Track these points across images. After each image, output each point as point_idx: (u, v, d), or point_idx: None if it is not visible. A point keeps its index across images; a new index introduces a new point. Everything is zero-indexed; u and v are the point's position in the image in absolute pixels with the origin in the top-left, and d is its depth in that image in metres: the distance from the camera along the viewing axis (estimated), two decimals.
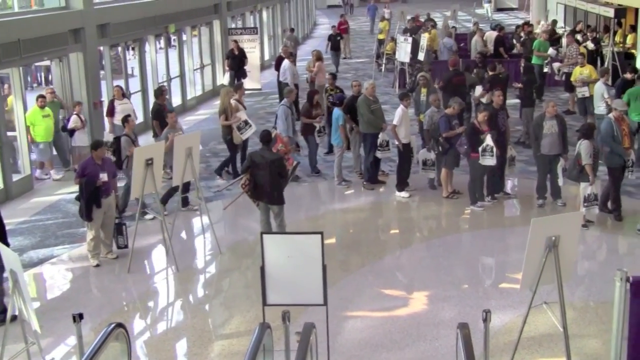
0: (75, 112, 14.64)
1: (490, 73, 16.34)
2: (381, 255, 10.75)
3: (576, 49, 19.35)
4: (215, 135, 16.62)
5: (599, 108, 15.22)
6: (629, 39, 22.93)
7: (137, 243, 10.58)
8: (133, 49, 21.28)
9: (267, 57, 28.59)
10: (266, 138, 10.49)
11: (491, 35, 23.24)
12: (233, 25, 25.68)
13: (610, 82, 16.97)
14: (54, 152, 15.11)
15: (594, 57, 20.79)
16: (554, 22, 27.15)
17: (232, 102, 14.22)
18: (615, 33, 22.76)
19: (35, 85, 25.13)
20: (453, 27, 27.48)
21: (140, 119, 17.53)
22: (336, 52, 27.14)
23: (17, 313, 7.15)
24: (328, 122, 14.22)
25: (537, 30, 24.99)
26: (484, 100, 15.22)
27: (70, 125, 14.59)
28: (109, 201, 10.59)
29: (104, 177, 10.39)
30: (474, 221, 12.08)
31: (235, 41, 22.92)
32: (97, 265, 10.50)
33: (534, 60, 20.34)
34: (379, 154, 13.30)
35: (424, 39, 21.81)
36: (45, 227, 12.21)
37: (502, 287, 9.62)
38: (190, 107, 21.69)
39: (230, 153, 14.28)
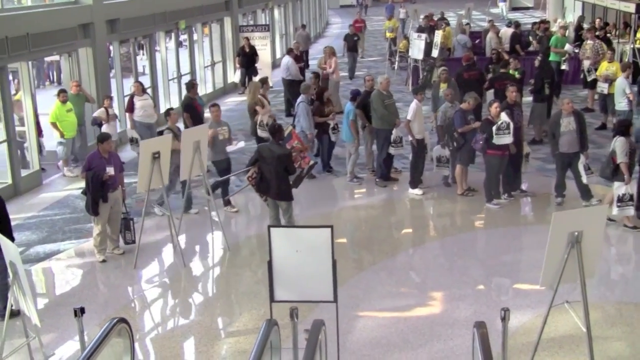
0: (104, 106, 14.46)
1: (501, 70, 16.03)
2: (394, 253, 10.55)
3: (599, 44, 18.99)
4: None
5: (620, 104, 14.93)
6: None
7: (144, 239, 10.42)
8: (142, 46, 21.14)
9: (278, 55, 28.37)
10: (274, 131, 10.24)
11: (506, 32, 23.02)
12: (244, 23, 25.49)
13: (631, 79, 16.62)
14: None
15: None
16: (581, 18, 26.78)
17: (258, 96, 14.06)
18: (638, 29, 22.37)
19: (47, 83, 25.04)
20: (467, 23, 27.21)
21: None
22: (353, 53, 24.97)
23: (19, 307, 7.00)
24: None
25: (554, 28, 24.67)
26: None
27: (95, 114, 14.43)
28: (115, 195, 10.39)
29: (110, 171, 10.18)
30: (489, 219, 11.84)
31: (247, 38, 22.73)
32: (104, 261, 10.35)
33: (552, 57, 20.01)
34: (392, 151, 13.06)
35: (438, 35, 21.62)
36: (52, 222, 12.09)
37: (519, 287, 9.37)
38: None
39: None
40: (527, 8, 47.48)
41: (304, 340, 5.73)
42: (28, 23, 13.54)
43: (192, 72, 21.21)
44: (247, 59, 22.35)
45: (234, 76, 23.54)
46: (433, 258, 10.54)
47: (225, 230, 10.89)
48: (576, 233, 6.34)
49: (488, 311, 8.42)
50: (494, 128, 11.56)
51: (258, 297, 9.02)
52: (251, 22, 26.43)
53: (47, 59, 21.19)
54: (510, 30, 22.95)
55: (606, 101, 16.38)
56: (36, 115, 14.39)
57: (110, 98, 14.86)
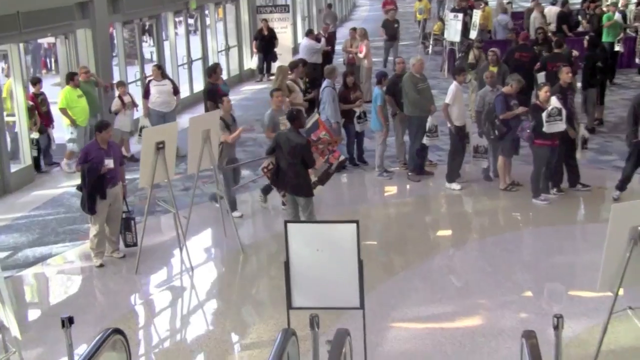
0: (118, 94, 14.45)
1: (555, 50, 15.78)
2: (429, 256, 10.47)
3: None
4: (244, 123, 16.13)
5: None
6: None
7: (147, 241, 10.33)
8: (148, 29, 21.04)
9: (299, 39, 28.22)
10: (292, 117, 10.04)
11: (552, 10, 22.80)
12: (262, 3, 25.38)
13: None
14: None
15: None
16: None
17: (288, 82, 13.92)
18: None
19: (44, 72, 25.10)
20: (509, 2, 27.08)
21: None
22: (392, 42, 23.19)
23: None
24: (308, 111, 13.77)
25: (604, 7, 24.44)
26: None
27: (113, 108, 14.46)
28: (115, 191, 10.22)
29: (109, 163, 10.00)
30: (537, 217, 11.71)
31: (265, 20, 22.68)
32: (101, 266, 10.24)
33: (604, 38, 19.75)
34: (426, 141, 12.89)
35: (477, 15, 21.45)
36: (44, 222, 12.04)
37: (573, 292, 9.26)
38: None
39: None
40: None
41: (326, 352, 5.66)
42: (18, 0, 13.41)
43: (204, 57, 21.10)
44: (266, 43, 22.31)
45: (251, 62, 23.46)
46: (473, 260, 10.46)
47: (238, 231, 10.74)
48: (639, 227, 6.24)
49: (537, 320, 8.26)
50: (543, 115, 11.30)
51: (274, 304, 8.92)
52: (270, 3, 26.31)
53: (42, 41, 21.16)
54: (556, 9, 22.83)
55: None
56: (47, 105, 14.46)
57: (124, 84, 14.75)
